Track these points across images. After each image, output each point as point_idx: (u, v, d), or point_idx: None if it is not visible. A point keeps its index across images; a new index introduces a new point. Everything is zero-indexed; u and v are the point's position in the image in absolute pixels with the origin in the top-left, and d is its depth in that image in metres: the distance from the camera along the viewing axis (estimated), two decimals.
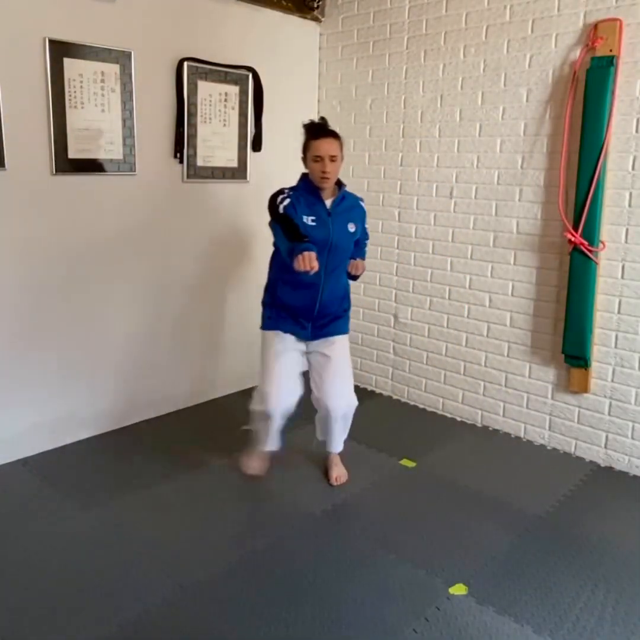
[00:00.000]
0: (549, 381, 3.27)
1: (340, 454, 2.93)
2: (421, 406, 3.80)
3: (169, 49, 3.23)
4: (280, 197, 2.53)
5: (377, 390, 4.03)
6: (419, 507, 2.70)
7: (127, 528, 2.49)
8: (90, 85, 2.95)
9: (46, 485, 2.79)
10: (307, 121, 2.58)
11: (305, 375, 2.78)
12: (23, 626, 1.97)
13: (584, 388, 3.12)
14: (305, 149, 2.55)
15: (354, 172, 3.94)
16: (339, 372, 2.72)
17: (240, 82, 3.56)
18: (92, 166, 3.03)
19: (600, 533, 2.53)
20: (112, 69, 3.01)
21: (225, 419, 3.53)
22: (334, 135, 2.54)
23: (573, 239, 2.94)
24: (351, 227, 2.64)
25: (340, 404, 2.71)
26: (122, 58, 3.03)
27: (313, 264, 2.29)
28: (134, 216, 3.25)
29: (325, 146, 2.48)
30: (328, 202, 2.59)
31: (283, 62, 3.79)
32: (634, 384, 2.99)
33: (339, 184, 2.64)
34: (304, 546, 2.40)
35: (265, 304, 2.75)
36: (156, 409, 3.53)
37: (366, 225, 2.82)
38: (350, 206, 2.68)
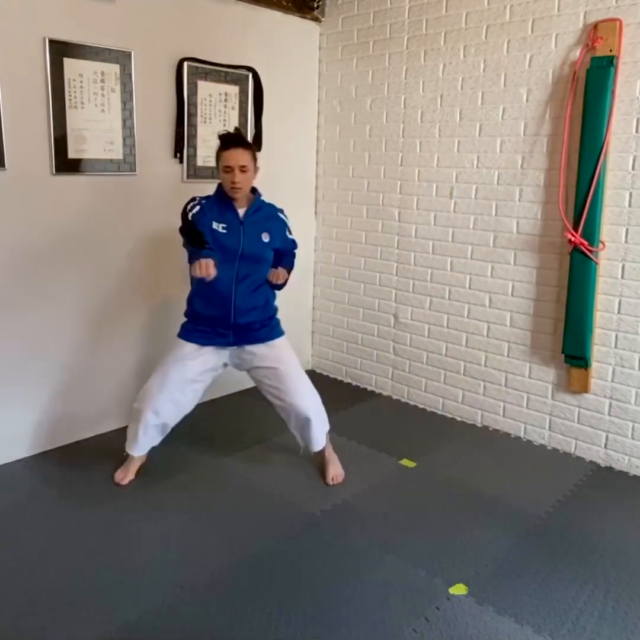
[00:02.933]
0: (549, 381, 3.27)
1: (339, 455, 2.93)
2: (421, 406, 3.80)
3: (169, 49, 3.23)
4: (191, 204, 2.57)
5: (377, 390, 4.03)
6: (418, 507, 2.70)
7: (127, 528, 2.49)
8: (90, 85, 2.95)
9: (46, 485, 2.79)
10: (222, 131, 2.60)
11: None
12: (23, 626, 1.97)
13: (584, 388, 3.12)
14: (217, 159, 2.58)
15: (354, 172, 3.94)
16: (293, 375, 2.70)
17: (240, 82, 3.56)
18: (92, 166, 3.03)
19: (600, 533, 2.53)
20: (112, 69, 3.01)
21: (225, 419, 3.53)
22: (246, 145, 2.56)
23: (573, 239, 2.94)
24: (265, 237, 2.63)
25: (307, 403, 2.71)
26: (122, 58, 3.03)
27: (210, 270, 2.35)
28: (134, 216, 3.25)
29: (235, 156, 2.50)
30: (241, 211, 2.61)
31: (283, 62, 3.79)
32: (634, 384, 2.99)
33: (255, 192, 2.67)
34: (304, 546, 2.40)
35: (186, 314, 2.75)
36: None
37: (291, 236, 2.78)
38: (265, 216, 2.67)
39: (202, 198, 2.61)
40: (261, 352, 2.70)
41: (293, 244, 2.82)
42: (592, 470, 3.06)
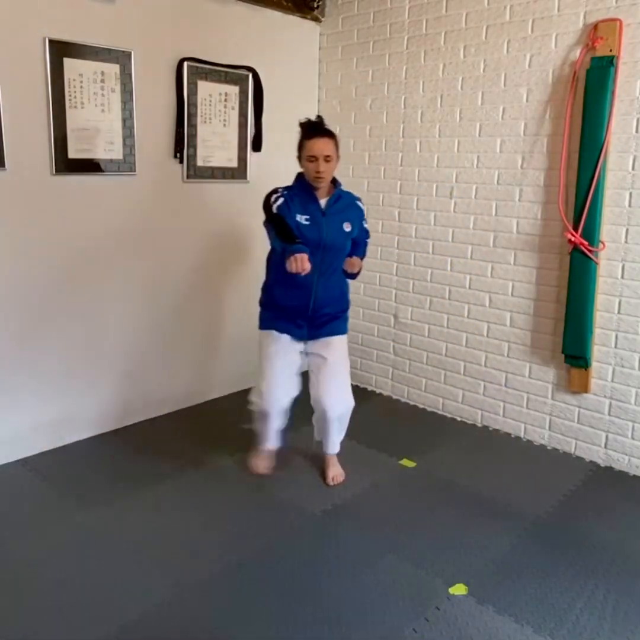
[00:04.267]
0: (549, 381, 3.27)
1: (338, 455, 2.93)
2: (421, 406, 3.80)
3: (169, 49, 3.23)
4: (274, 196, 2.53)
5: (377, 390, 4.03)
6: (418, 507, 2.70)
7: (127, 528, 2.49)
8: (90, 85, 2.95)
9: (46, 485, 2.79)
10: (303, 119, 2.56)
11: (305, 375, 2.79)
12: (23, 626, 1.97)
13: (584, 388, 3.12)
14: (300, 148, 2.54)
15: (354, 172, 3.94)
16: (335, 373, 2.71)
17: (240, 82, 3.56)
18: (92, 166, 3.03)
19: (600, 533, 2.53)
20: (112, 69, 3.01)
21: (225, 419, 3.53)
22: (329, 134, 2.52)
23: (573, 239, 2.94)
24: (346, 227, 2.62)
25: (336, 406, 2.71)
26: (122, 58, 3.03)
27: (305, 265, 2.30)
28: (134, 216, 3.25)
29: (319, 146, 2.46)
30: (323, 202, 2.59)
31: (283, 62, 3.79)
32: (634, 384, 2.99)
33: (334, 182, 2.64)
34: (304, 546, 2.40)
35: (261, 304, 2.76)
36: (156, 408, 3.53)
37: (366, 225, 2.80)
38: (346, 206, 2.66)
39: (284, 189, 2.58)
40: (323, 339, 2.72)
41: (367, 234, 2.83)
42: (592, 470, 3.06)
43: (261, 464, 2.90)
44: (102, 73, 2.98)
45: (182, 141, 3.36)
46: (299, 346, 2.74)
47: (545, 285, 3.22)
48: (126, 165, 3.15)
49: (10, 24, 2.68)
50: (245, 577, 2.21)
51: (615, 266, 2.97)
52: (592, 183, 2.87)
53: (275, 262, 2.62)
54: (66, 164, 2.94)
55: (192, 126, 3.38)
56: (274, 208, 2.50)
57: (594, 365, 3.09)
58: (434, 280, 3.65)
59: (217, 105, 3.48)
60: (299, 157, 2.56)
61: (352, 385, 4.10)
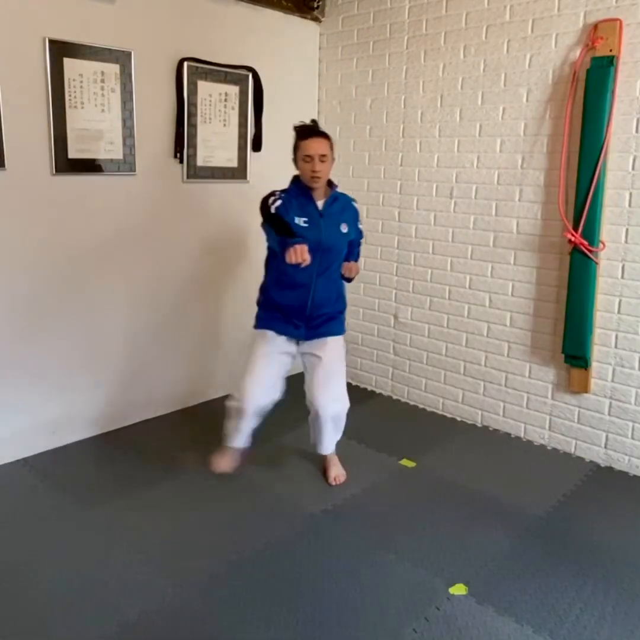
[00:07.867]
0: (549, 381, 3.27)
1: (339, 455, 2.93)
2: (421, 406, 3.80)
3: (169, 49, 3.23)
4: (272, 199, 2.56)
5: (377, 390, 4.03)
6: (419, 507, 2.70)
7: (127, 528, 2.49)
8: (90, 85, 2.95)
9: (46, 485, 2.79)
10: (297, 123, 2.60)
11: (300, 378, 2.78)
12: (23, 626, 1.97)
13: (584, 388, 3.12)
14: (296, 149, 2.58)
15: (354, 172, 3.94)
16: (330, 373, 2.71)
17: (240, 82, 3.56)
18: (92, 166, 3.03)
19: (600, 533, 2.53)
20: (112, 69, 3.01)
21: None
22: (324, 135, 2.57)
23: (573, 239, 2.94)
24: (343, 228, 2.65)
25: (330, 406, 2.70)
26: (122, 58, 3.03)
27: (305, 256, 2.30)
28: (134, 216, 3.25)
29: (314, 145, 2.51)
30: (320, 203, 2.61)
31: (283, 62, 3.79)
32: (634, 384, 2.99)
33: (331, 184, 2.66)
34: (304, 546, 2.40)
35: (259, 303, 2.78)
36: (156, 409, 3.53)
37: (360, 225, 2.82)
38: (342, 207, 2.69)
39: (281, 192, 2.60)
40: (319, 339, 2.72)
41: (361, 234, 2.86)
42: (592, 470, 3.06)
43: (224, 462, 2.87)
44: (102, 73, 2.98)
45: (182, 141, 3.36)
46: (293, 348, 2.73)
47: (545, 285, 3.22)
48: (126, 165, 3.15)
49: (10, 24, 2.68)
50: (245, 577, 2.21)
51: (615, 266, 2.97)
52: (592, 183, 2.87)
53: (273, 264, 2.67)
54: (66, 164, 2.94)
55: (192, 126, 3.38)
56: (273, 209, 2.53)
57: (594, 365, 3.09)
58: (434, 280, 3.65)
59: (217, 105, 3.48)
60: (295, 160, 2.59)
61: (352, 385, 4.15)
